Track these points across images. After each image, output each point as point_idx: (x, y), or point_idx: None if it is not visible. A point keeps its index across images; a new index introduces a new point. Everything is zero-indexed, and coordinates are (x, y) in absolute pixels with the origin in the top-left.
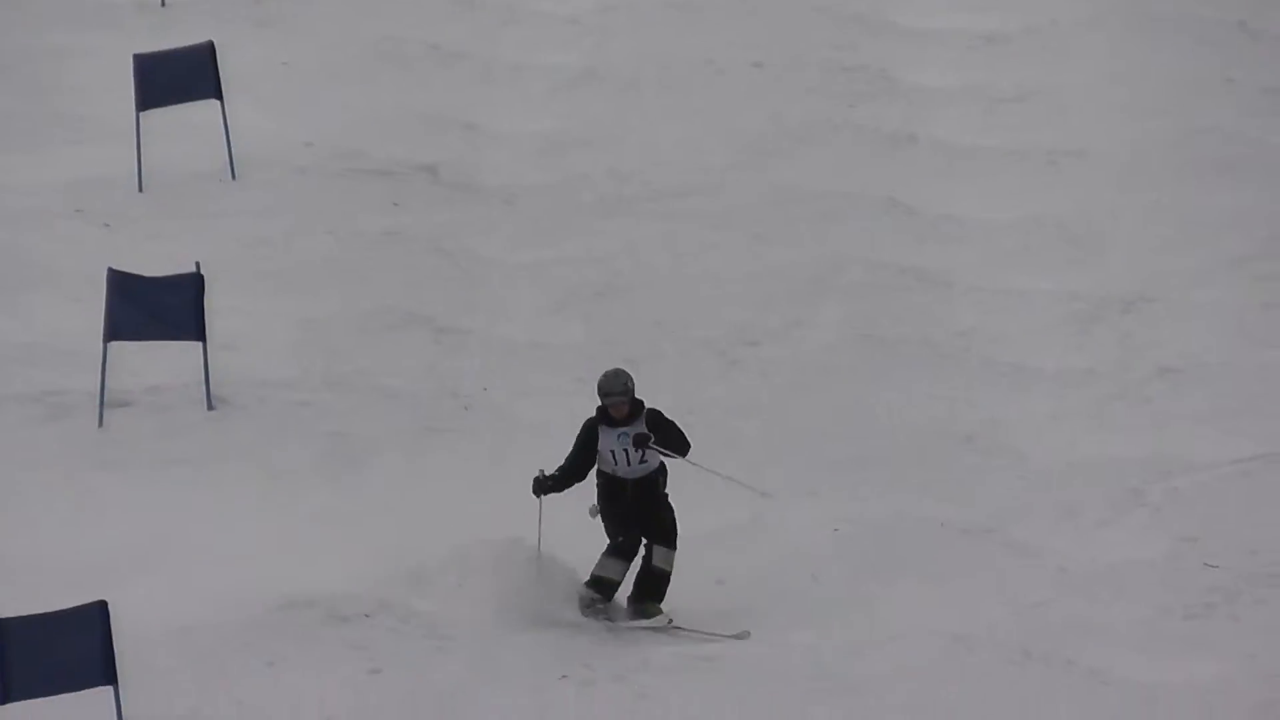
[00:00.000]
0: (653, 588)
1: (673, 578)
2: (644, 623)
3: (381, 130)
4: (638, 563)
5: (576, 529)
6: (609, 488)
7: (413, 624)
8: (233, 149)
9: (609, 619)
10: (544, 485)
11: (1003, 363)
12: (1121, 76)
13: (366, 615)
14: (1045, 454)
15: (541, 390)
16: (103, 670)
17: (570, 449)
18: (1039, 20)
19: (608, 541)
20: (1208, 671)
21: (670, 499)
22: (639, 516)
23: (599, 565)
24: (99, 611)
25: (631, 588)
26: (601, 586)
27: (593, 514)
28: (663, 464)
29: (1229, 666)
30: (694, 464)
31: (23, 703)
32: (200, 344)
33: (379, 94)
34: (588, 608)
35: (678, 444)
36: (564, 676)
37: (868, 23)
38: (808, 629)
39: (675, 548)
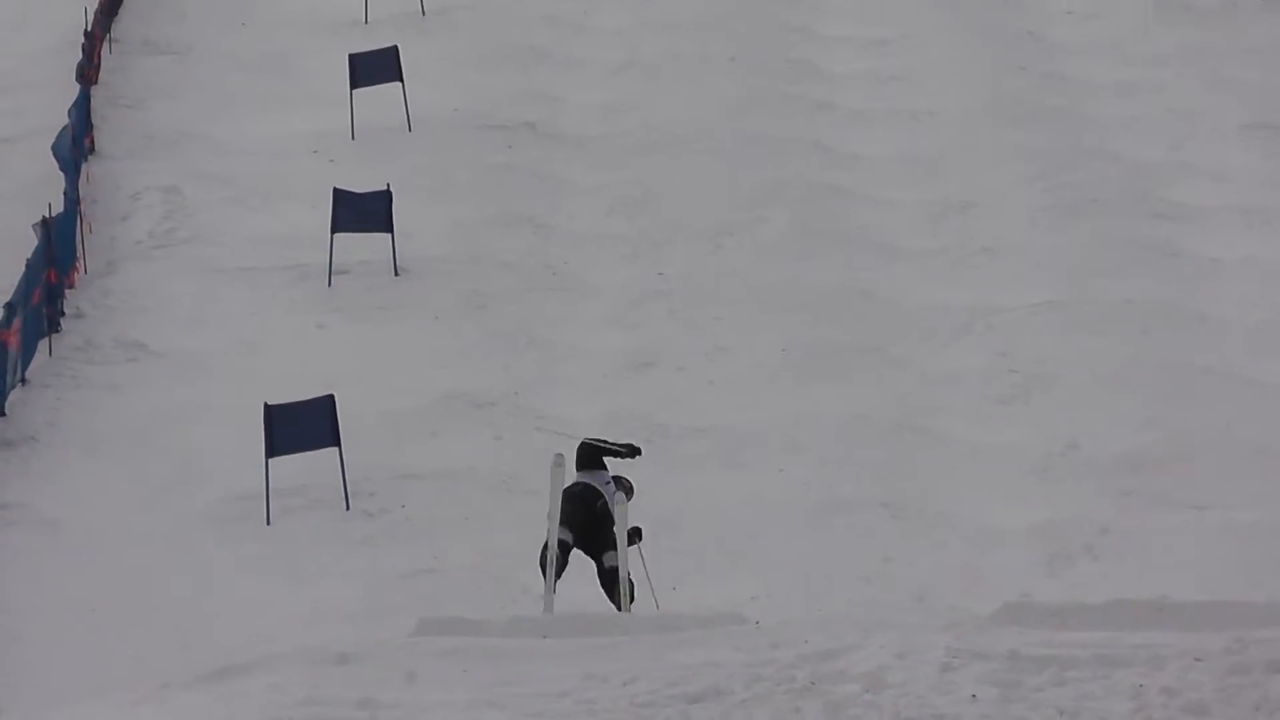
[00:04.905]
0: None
1: None
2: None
3: (500, 100)
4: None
5: None
6: None
7: (521, 409)
8: (409, 112)
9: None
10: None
11: (885, 244)
12: (955, 66)
13: (492, 404)
14: (909, 299)
15: (603, 263)
16: (331, 437)
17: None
18: (906, 31)
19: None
20: (1010, 436)
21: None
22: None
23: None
24: (329, 401)
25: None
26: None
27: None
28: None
29: (1023, 433)
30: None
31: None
32: (390, 234)
33: (498, 77)
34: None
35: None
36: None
37: (803, 31)
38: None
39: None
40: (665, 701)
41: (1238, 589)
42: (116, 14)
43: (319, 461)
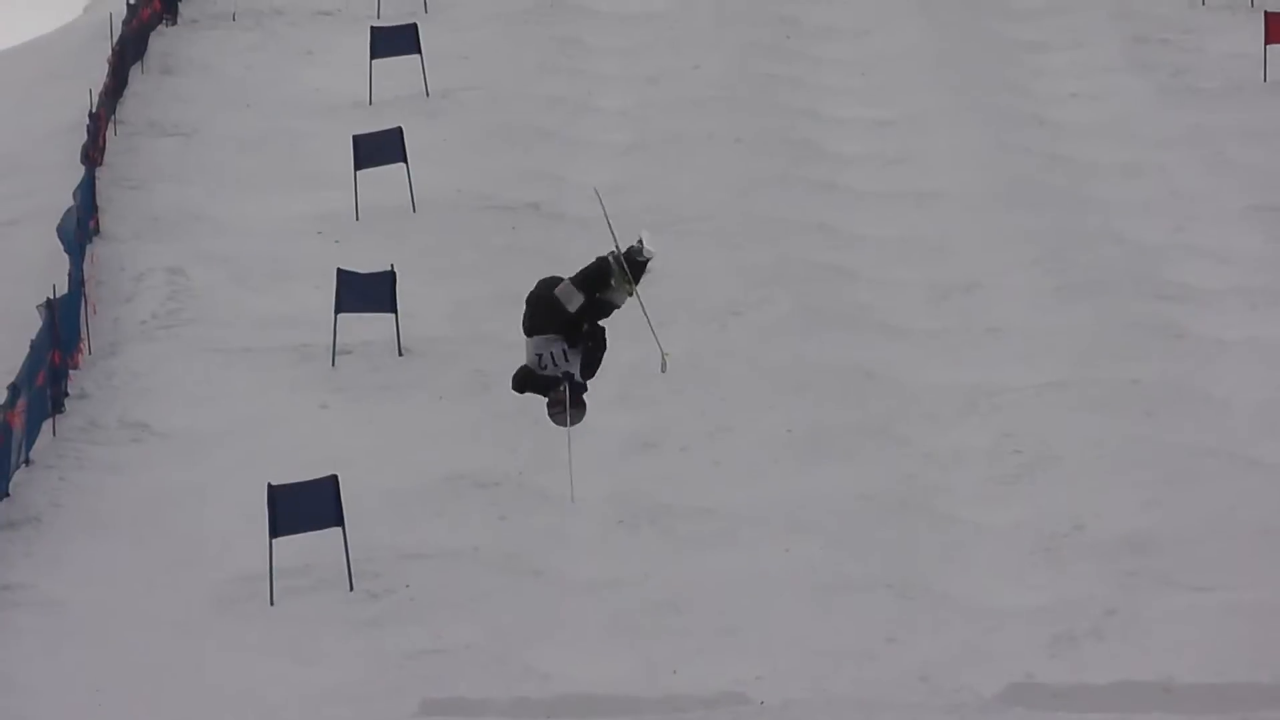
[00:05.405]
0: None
1: None
2: None
3: (504, 181)
4: None
5: None
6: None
7: (526, 489)
8: (413, 193)
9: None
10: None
11: (889, 324)
12: (959, 148)
13: (496, 484)
14: (913, 379)
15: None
16: (335, 516)
17: None
18: (910, 112)
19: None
20: (1014, 516)
21: None
22: None
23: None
24: (333, 481)
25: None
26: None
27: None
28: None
29: (1027, 513)
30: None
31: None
32: (393, 315)
33: (502, 158)
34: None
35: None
36: (620, 521)
37: (808, 113)
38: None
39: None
40: None
41: (1243, 670)
42: (121, 96)
43: (322, 542)
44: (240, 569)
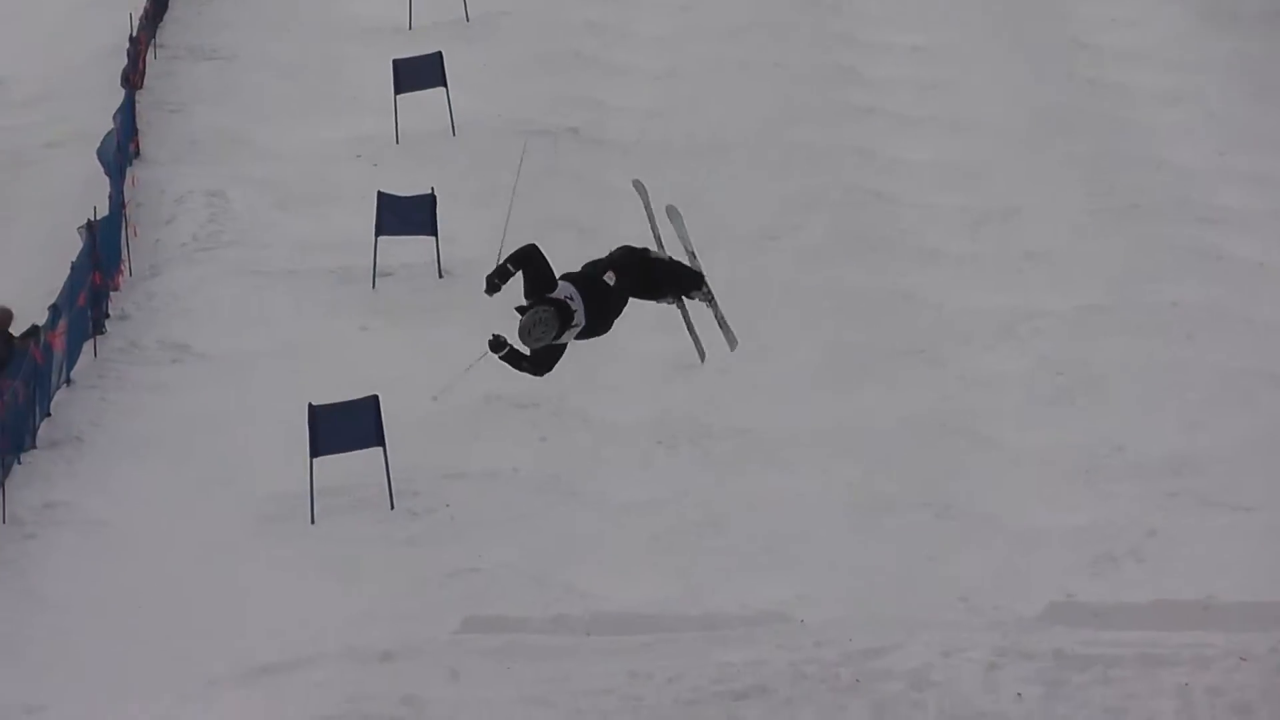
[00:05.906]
0: None
1: None
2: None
3: (544, 105)
4: None
5: None
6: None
7: (565, 410)
8: (453, 117)
9: None
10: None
11: (927, 249)
12: (998, 73)
13: (536, 405)
14: (951, 303)
15: None
16: (376, 437)
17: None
18: (949, 38)
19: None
20: (1055, 438)
21: None
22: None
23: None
24: (373, 401)
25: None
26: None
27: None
28: None
29: (1067, 435)
30: None
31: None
32: (434, 238)
33: (541, 83)
34: None
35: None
36: (659, 442)
37: (845, 38)
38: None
39: None
40: (710, 699)
41: None
42: (161, 20)
43: (363, 462)
44: (280, 488)
